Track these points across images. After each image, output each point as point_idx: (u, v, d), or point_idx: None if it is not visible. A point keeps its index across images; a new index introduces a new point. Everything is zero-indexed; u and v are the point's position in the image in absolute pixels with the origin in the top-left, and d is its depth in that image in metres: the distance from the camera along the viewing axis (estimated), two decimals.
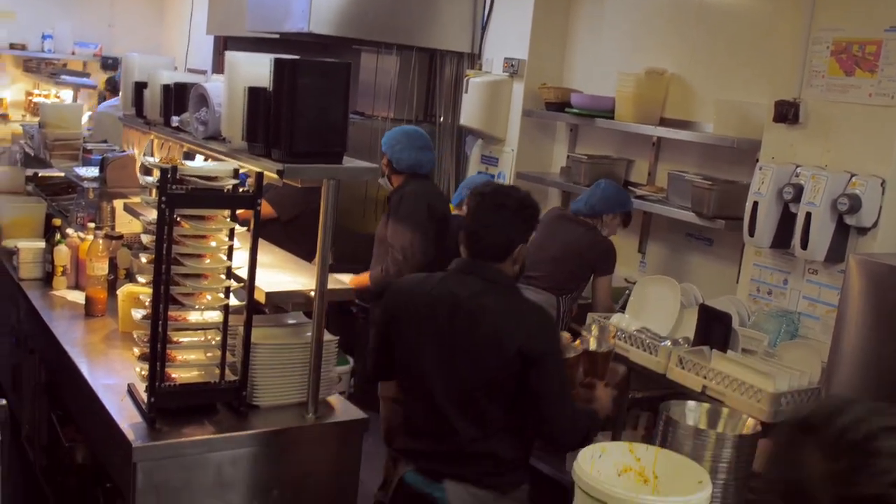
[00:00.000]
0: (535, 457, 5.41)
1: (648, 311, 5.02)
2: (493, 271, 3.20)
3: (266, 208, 4.53)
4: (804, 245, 4.39)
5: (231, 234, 3.35)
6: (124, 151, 5.48)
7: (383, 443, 4.85)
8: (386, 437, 4.90)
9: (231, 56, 3.42)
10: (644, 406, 5.23)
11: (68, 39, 9.97)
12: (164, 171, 3.10)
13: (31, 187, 6.36)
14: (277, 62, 3.16)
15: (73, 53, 9.86)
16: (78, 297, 4.66)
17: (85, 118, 7.42)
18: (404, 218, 4.90)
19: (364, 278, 5.02)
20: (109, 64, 9.55)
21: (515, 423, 3.19)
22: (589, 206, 5.35)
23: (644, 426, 5.25)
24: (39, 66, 10.00)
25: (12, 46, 9.84)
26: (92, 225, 4.95)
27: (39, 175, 6.74)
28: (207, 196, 3.23)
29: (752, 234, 4.64)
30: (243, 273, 3.36)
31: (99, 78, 9.92)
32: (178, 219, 3.24)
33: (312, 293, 3.46)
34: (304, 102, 3.10)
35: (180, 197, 3.14)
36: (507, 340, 3.07)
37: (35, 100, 9.77)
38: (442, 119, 7.29)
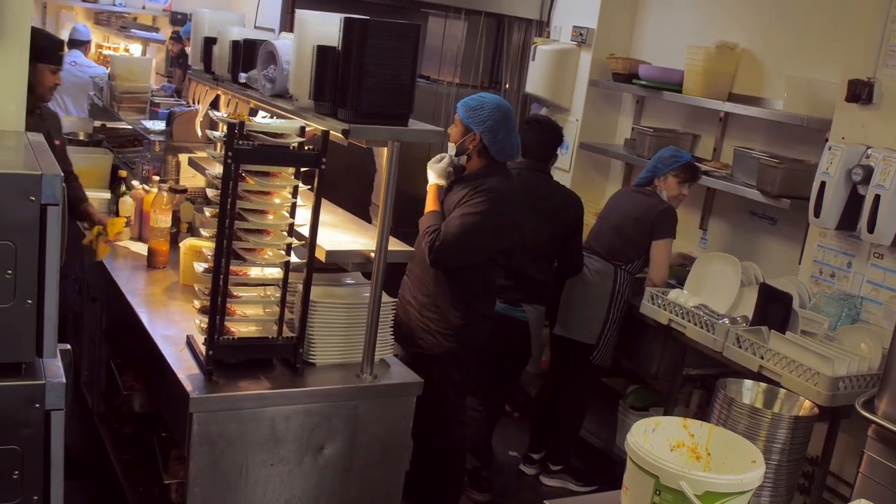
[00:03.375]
0: (586, 430, 5.44)
1: (707, 288, 4.98)
2: (544, 167, 5.05)
3: None
4: (871, 228, 4.32)
5: (295, 192, 3.36)
6: (191, 106, 5.52)
7: None
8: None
9: (301, 14, 3.42)
10: (696, 383, 5.21)
11: None
12: (231, 126, 3.12)
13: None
14: (347, 22, 3.16)
15: (144, 8, 9.90)
16: (141, 248, 4.73)
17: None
18: (491, 229, 4.23)
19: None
20: (178, 19, 9.58)
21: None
22: (645, 173, 5.34)
23: (696, 403, 5.23)
24: (110, 19, 10.07)
25: None
26: (157, 178, 5.00)
27: (107, 126, 6.81)
28: (273, 152, 3.25)
29: (817, 214, 4.57)
30: (305, 231, 3.38)
31: (167, 33, 9.98)
32: (243, 174, 3.26)
33: (372, 254, 3.47)
34: (372, 63, 3.10)
35: (246, 152, 3.16)
36: (569, 208, 5.07)
37: (105, 52, 9.86)
38: (507, 85, 7.28)
